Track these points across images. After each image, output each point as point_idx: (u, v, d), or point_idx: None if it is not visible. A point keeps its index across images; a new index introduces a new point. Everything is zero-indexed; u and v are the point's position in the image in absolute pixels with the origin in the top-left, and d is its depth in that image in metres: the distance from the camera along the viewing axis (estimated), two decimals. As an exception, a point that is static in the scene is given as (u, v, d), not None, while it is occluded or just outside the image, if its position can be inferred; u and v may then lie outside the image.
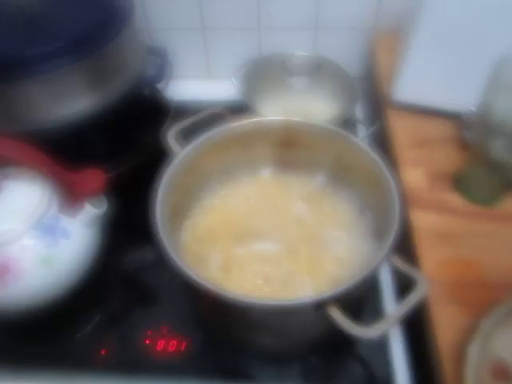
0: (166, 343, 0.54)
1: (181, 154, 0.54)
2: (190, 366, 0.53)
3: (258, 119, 0.57)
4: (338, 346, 0.53)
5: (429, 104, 0.64)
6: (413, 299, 0.40)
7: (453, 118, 0.62)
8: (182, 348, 0.54)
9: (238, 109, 0.66)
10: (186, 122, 0.58)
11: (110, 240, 0.59)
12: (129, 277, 0.63)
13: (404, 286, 0.43)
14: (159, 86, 0.78)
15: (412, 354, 0.52)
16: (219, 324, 0.52)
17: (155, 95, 0.76)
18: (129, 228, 0.65)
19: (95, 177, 0.51)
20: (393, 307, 0.56)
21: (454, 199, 0.55)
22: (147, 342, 0.55)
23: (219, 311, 0.48)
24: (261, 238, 0.55)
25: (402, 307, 0.40)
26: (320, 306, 0.40)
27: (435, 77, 0.61)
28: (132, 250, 0.65)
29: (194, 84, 0.88)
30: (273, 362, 0.53)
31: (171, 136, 0.56)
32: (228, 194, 0.59)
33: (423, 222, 0.52)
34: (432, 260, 0.49)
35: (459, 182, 0.56)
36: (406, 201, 0.54)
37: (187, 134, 0.56)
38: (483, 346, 0.40)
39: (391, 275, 0.59)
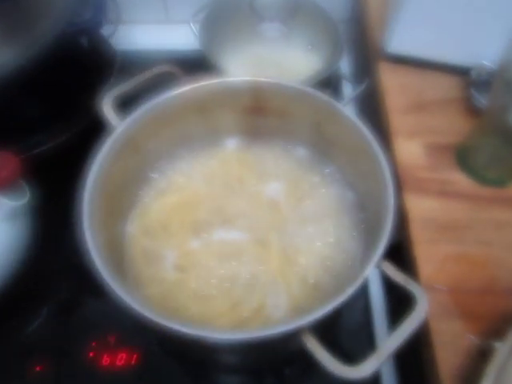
0: (114, 356, 0.46)
1: (119, 127, 0.43)
2: (142, 382, 0.45)
3: (220, 80, 0.46)
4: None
5: (430, 56, 0.53)
6: (411, 324, 0.32)
7: (459, 74, 0.51)
8: (133, 361, 0.46)
9: (196, 63, 0.54)
10: (126, 86, 0.46)
11: (44, 227, 0.50)
12: (73, 266, 0.53)
13: (400, 296, 0.34)
14: (102, 34, 0.64)
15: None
16: (175, 342, 0.44)
17: (97, 46, 0.62)
18: (66, 211, 0.54)
19: (6, 162, 0.39)
20: (383, 328, 0.47)
21: (459, 179, 0.45)
22: (91, 354, 0.46)
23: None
24: (224, 227, 0.46)
25: (397, 336, 0.31)
26: (293, 336, 0.31)
27: (439, 21, 0.50)
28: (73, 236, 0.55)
29: (148, 30, 0.74)
30: (240, 376, 0.45)
31: (107, 104, 0.45)
32: (184, 174, 0.49)
33: (420, 210, 0.43)
34: (431, 260, 0.40)
35: (465, 157, 0.46)
36: (399, 182, 0.44)
37: (130, 100, 0.45)
38: (497, 381, 0.32)
39: (382, 284, 0.51)
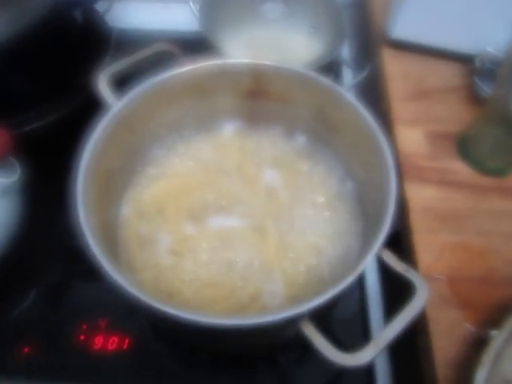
0: (105, 340, 0.45)
1: (115, 106, 0.41)
2: (133, 367, 0.44)
3: (219, 61, 0.45)
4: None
5: (433, 43, 0.52)
6: (410, 313, 0.31)
7: (462, 62, 0.50)
8: (125, 346, 0.45)
9: (196, 44, 0.52)
10: (123, 64, 0.45)
11: (35, 207, 0.49)
12: (65, 249, 0.52)
13: (395, 287, 0.34)
14: (98, 9, 0.62)
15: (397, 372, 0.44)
16: (168, 327, 0.43)
17: (92, 22, 0.60)
18: (58, 191, 0.53)
19: (-4, 137, 0.38)
20: (378, 317, 0.47)
21: (459, 168, 0.45)
22: (82, 337, 0.45)
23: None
24: (220, 213, 0.45)
25: (395, 324, 0.31)
26: (291, 323, 0.31)
27: (443, 7, 0.49)
28: (66, 218, 0.53)
29: (145, 9, 0.72)
30: (234, 363, 0.45)
31: (103, 81, 0.43)
32: (180, 158, 0.48)
33: (420, 199, 0.42)
34: (430, 249, 0.39)
35: (466, 146, 0.46)
36: (399, 171, 0.44)
37: (126, 79, 0.44)
38: (492, 370, 0.31)
39: (378, 273, 0.50)
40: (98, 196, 0.40)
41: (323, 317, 0.40)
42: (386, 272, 0.49)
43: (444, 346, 0.35)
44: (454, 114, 0.48)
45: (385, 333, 0.31)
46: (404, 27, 0.51)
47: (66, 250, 0.52)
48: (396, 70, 0.52)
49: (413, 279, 0.33)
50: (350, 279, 0.31)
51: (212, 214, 0.45)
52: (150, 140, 0.46)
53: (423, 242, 0.40)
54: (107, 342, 0.45)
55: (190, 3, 0.58)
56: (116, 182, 0.44)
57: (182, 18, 0.62)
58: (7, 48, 0.46)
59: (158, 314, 0.30)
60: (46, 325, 0.46)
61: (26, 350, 0.44)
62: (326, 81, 0.42)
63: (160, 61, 0.45)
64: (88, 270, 0.49)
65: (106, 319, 0.46)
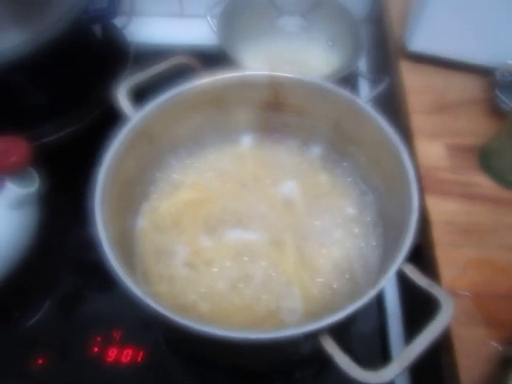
0: (119, 353, 0.44)
1: (134, 117, 0.42)
2: (147, 381, 0.43)
3: (237, 73, 0.45)
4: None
5: (452, 56, 0.51)
6: (435, 330, 0.30)
7: (482, 74, 0.50)
8: (139, 359, 0.44)
9: (213, 58, 0.52)
10: (142, 76, 0.45)
11: (51, 218, 0.49)
12: (80, 260, 0.52)
13: (415, 302, 0.33)
14: (116, 24, 0.63)
15: None
16: (183, 341, 0.42)
17: (111, 36, 0.61)
18: (75, 203, 0.53)
19: (15, 147, 0.38)
20: (398, 334, 0.46)
21: (482, 181, 0.44)
22: (95, 349, 0.45)
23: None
24: (237, 226, 0.45)
25: (419, 341, 0.30)
26: (311, 338, 0.30)
27: (462, 20, 0.48)
28: (83, 230, 0.53)
29: (162, 23, 0.74)
30: (249, 379, 0.44)
31: (122, 93, 0.44)
32: (197, 169, 0.48)
33: (442, 212, 0.41)
34: (452, 264, 0.38)
35: (488, 160, 0.45)
36: (420, 184, 0.43)
37: (145, 92, 0.44)
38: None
39: (398, 287, 0.49)
40: (116, 207, 0.40)
41: (342, 332, 0.39)
42: (405, 286, 0.48)
43: (469, 365, 0.34)
44: (475, 127, 0.47)
45: (409, 350, 0.30)
46: (422, 40, 0.51)
47: (81, 261, 0.52)
48: (415, 82, 0.51)
49: (437, 295, 0.32)
50: (372, 293, 0.31)
51: (229, 226, 0.44)
52: (168, 151, 0.46)
53: (446, 256, 0.39)
54: (121, 355, 0.44)
55: (208, 18, 0.58)
56: (133, 193, 0.44)
57: (200, 33, 0.62)
58: (28, 62, 0.47)
59: (175, 327, 0.30)
60: (60, 336, 0.46)
61: (40, 361, 0.44)
62: (345, 93, 0.42)
63: (180, 74, 0.45)
64: (103, 282, 0.50)
65: (120, 331, 0.46)
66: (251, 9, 0.58)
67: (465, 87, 0.51)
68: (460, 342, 0.35)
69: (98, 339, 0.45)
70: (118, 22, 0.64)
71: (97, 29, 0.59)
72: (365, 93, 0.60)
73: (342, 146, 0.46)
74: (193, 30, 0.68)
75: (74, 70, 0.53)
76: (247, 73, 0.45)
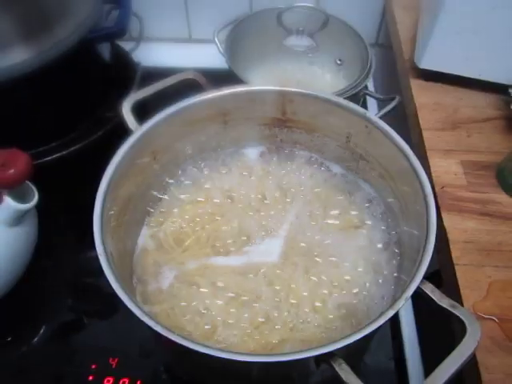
0: (116, 382, 0.42)
1: (136, 132, 0.40)
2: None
3: (244, 88, 0.44)
4: None
5: (464, 73, 0.50)
6: (461, 356, 0.27)
7: (497, 91, 0.48)
8: (136, 389, 0.41)
9: (222, 80, 0.51)
10: (148, 91, 0.44)
11: (48, 239, 0.48)
12: (77, 284, 0.50)
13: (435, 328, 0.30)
14: (125, 48, 0.63)
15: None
16: (187, 368, 0.39)
17: (119, 58, 0.61)
18: (74, 223, 0.51)
19: (14, 159, 0.37)
20: (416, 358, 0.42)
21: (501, 199, 0.42)
22: (90, 378, 0.42)
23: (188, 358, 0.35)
24: (244, 244, 0.43)
25: (444, 369, 0.27)
26: (324, 361, 0.27)
27: (475, 36, 0.47)
28: (80, 251, 0.51)
29: (171, 48, 0.74)
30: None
31: (126, 108, 0.42)
32: (202, 187, 0.46)
33: (460, 231, 0.39)
34: (475, 285, 0.36)
35: (506, 177, 0.43)
36: (436, 202, 0.41)
37: (154, 110, 0.42)
38: None
39: (416, 313, 0.46)
40: (117, 224, 0.38)
41: (357, 360, 0.36)
42: (422, 312, 0.45)
43: (500, 398, 0.30)
44: (491, 144, 0.46)
45: (433, 378, 0.27)
46: (433, 57, 0.50)
47: (79, 285, 0.49)
48: (426, 100, 0.50)
49: (462, 316, 0.29)
50: (390, 314, 0.28)
51: (234, 245, 0.42)
52: (173, 168, 0.45)
53: (467, 277, 0.36)
54: (117, 384, 0.41)
55: (216, 39, 0.58)
56: (136, 210, 0.42)
57: (208, 57, 0.62)
58: (34, 79, 0.46)
59: (186, 354, 0.27)
60: (54, 363, 0.43)
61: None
62: (356, 107, 0.41)
63: (188, 91, 0.44)
64: (101, 307, 0.48)
65: (116, 359, 0.43)
66: (259, 29, 0.58)
67: (476, 104, 0.49)
68: (488, 371, 0.31)
69: (94, 367, 0.42)
70: (127, 45, 0.65)
71: (105, 51, 0.60)
72: (374, 112, 0.59)
73: (353, 163, 0.44)
74: (201, 55, 0.68)
75: (80, 90, 0.53)
76: (254, 88, 0.44)
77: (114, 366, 0.42)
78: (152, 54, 0.70)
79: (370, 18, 0.67)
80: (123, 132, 0.40)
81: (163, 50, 0.72)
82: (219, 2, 0.69)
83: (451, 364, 0.27)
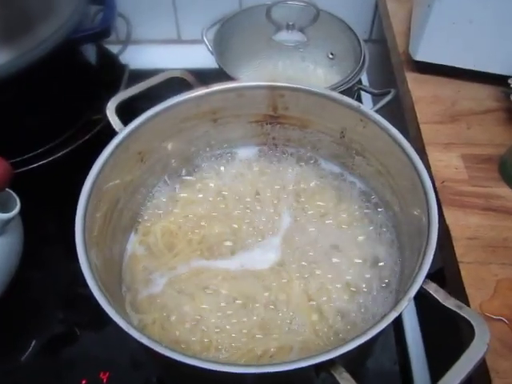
0: (106, 397, 0.39)
1: (122, 132, 0.38)
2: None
3: (233, 85, 0.42)
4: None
5: (462, 64, 0.48)
6: (470, 360, 0.25)
7: (496, 82, 0.47)
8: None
9: (212, 79, 0.50)
10: (133, 90, 0.43)
11: (35, 249, 0.46)
12: (66, 295, 0.48)
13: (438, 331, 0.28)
14: (112, 50, 0.61)
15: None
16: (179, 379, 0.37)
17: (106, 61, 0.59)
18: (62, 232, 0.49)
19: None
20: (422, 364, 0.40)
21: (506, 193, 0.40)
22: (81, 393, 0.39)
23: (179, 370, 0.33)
24: (236, 248, 0.41)
25: (454, 374, 0.25)
26: (324, 370, 0.25)
27: (472, 25, 0.45)
28: (70, 260, 0.49)
29: (159, 49, 0.72)
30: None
31: (111, 109, 0.41)
32: (192, 188, 0.44)
33: (463, 227, 0.37)
34: (481, 284, 0.34)
35: (508, 170, 0.41)
36: (437, 197, 0.39)
37: (142, 110, 0.40)
38: None
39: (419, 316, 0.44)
40: (102, 231, 0.36)
41: (359, 367, 0.34)
42: (425, 314, 0.43)
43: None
44: (492, 137, 0.44)
45: (442, 384, 0.25)
46: (429, 49, 0.48)
47: (68, 296, 0.47)
48: (422, 93, 0.48)
49: (468, 317, 0.27)
50: (393, 316, 0.26)
51: (227, 249, 0.40)
52: (161, 169, 0.43)
53: (472, 276, 0.34)
54: (108, 400, 0.39)
55: (204, 37, 0.57)
56: (123, 215, 0.40)
57: (198, 57, 0.60)
58: (18, 82, 0.44)
59: (177, 366, 0.25)
60: (43, 379, 0.41)
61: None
62: (350, 101, 0.39)
63: (174, 89, 0.42)
64: (91, 319, 0.46)
65: (107, 373, 0.41)
66: (248, 26, 0.56)
67: (475, 96, 0.48)
68: (498, 376, 0.29)
69: (84, 382, 0.40)
70: (115, 48, 0.63)
71: (91, 53, 0.58)
72: (368, 106, 0.57)
73: (348, 159, 0.42)
74: (191, 55, 0.66)
75: (66, 93, 0.51)
76: (243, 84, 0.42)
77: (104, 381, 0.40)
78: (141, 56, 0.68)
79: (363, 12, 0.66)
80: (111, 135, 0.39)
81: (152, 52, 0.71)
82: (209, 2, 0.68)
83: (460, 370, 0.25)
